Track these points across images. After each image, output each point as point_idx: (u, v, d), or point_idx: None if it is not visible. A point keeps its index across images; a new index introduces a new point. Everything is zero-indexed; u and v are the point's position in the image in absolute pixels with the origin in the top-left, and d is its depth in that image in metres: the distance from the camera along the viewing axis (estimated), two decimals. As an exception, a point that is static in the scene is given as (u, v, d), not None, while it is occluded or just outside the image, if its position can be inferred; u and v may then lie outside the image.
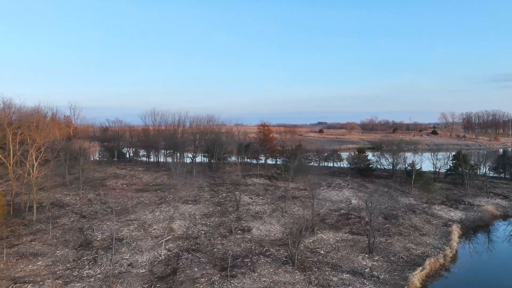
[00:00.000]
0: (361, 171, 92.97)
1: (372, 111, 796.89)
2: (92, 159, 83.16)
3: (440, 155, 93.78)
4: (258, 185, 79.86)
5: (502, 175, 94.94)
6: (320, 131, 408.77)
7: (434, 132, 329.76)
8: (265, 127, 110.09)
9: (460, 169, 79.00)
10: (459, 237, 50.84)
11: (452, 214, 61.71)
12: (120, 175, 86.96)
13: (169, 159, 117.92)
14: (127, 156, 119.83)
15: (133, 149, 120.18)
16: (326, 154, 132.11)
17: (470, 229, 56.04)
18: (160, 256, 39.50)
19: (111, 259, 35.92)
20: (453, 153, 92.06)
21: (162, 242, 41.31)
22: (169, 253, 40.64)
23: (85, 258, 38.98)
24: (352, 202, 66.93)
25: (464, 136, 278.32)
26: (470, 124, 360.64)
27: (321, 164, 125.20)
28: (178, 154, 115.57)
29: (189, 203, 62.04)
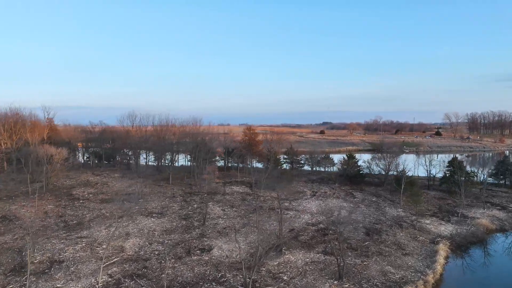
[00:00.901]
0: (350, 178, 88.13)
1: (377, 111, 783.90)
2: (60, 165, 78.34)
3: (435, 160, 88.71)
4: (236, 194, 75.36)
5: (503, 181, 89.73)
6: (322, 132, 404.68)
7: (438, 133, 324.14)
8: (251, 131, 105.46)
9: (455, 176, 73.81)
10: (446, 258, 46.22)
11: (443, 228, 56.93)
12: (92, 182, 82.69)
13: (155, 163, 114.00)
14: (104, 160, 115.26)
15: (112, 152, 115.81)
16: (318, 158, 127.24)
17: (462, 246, 51.29)
18: (97, 284, 35.07)
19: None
20: (451, 158, 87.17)
21: (101, 266, 36.79)
22: (109, 279, 36.24)
23: (11, 286, 34.59)
24: (334, 214, 62.16)
25: (468, 138, 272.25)
26: (475, 125, 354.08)
27: (314, 169, 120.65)
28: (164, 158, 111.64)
29: (153, 216, 57.65)
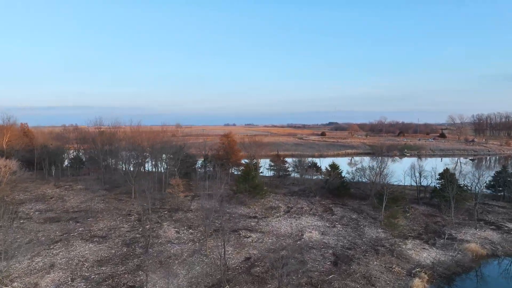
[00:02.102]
0: (332, 191, 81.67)
1: (384, 111, 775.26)
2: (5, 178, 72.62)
3: (427, 171, 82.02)
4: (202, 210, 69.00)
5: (501, 193, 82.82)
6: (322, 134, 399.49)
7: (442, 135, 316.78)
8: (229, 138, 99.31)
9: (446, 191, 66.77)
10: (422, 296, 39.82)
11: (425, 254, 50.55)
12: (47, 196, 76.97)
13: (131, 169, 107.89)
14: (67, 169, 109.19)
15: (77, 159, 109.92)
16: (306, 165, 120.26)
17: (443, 279, 44.80)
18: None
19: None
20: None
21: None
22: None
23: None
24: (304, 236, 55.97)
25: (473, 141, 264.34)
26: (481, 126, 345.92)
27: (303, 176, 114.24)
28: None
29: (94, 241, 51.55)
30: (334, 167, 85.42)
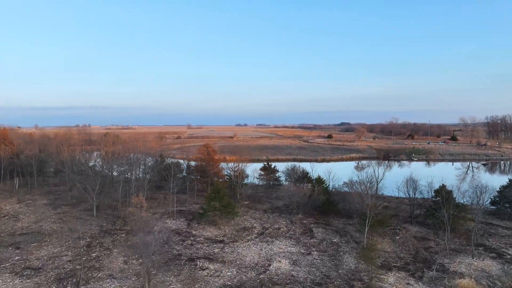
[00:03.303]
0: (316, 208, 74.93)
1: (397, 111, 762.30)
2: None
3: (423, 186, 74.72)
4: (165, 232, 63.01)
5: (507, 210, 75.14)
6: (329, 136, 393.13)
7: (454, 138, 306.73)
8: (208, 148, 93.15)
9: (442, 211, 59.40)
10: None
11: (408, 292, 43.61)
12: (1, 214, 71.67)
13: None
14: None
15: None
16: (300, 174, 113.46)
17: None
18: None
19: None
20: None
21: None
22: None
23: None
24: (271, 267, 49.46)
25: (485, 144, 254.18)
26: (495, 128, 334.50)
27: (297, 185, 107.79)
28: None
29: (24, 275, 45.73)
30: (319, 181, 78.58)
